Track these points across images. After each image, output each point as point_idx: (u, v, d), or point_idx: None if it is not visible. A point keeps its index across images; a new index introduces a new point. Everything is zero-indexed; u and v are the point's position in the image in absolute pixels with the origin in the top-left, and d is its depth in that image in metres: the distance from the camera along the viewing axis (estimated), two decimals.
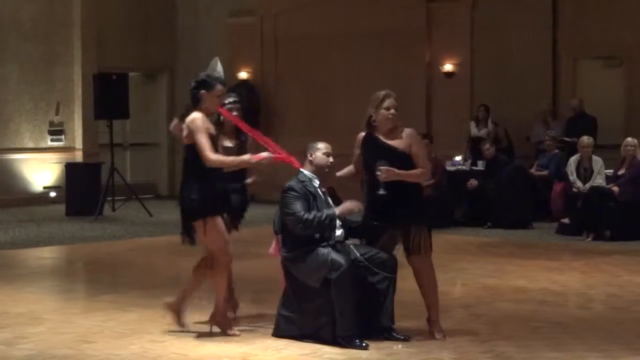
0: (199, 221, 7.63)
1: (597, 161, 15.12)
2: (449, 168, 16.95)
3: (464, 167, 17.17)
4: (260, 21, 21.85)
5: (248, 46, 21.92)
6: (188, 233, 7.81)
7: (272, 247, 7.93)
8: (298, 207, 7.55)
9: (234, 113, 8.40)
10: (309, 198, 7.64)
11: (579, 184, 15.06)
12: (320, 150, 7.82)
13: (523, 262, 12.18)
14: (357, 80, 20.25)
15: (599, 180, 14.96)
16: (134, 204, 17.69)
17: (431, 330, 7.70)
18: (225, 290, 7.87)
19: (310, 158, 7.83)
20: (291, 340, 7.55)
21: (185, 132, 7.69)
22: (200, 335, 7.88)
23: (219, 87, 7.89)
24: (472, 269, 11.48)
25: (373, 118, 7.63)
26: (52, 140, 20.68)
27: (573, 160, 15.35)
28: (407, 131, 7.66)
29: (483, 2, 19.38)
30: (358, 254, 7.58)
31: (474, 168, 17.13)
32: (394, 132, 7.63)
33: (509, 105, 18.64)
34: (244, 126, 8.25)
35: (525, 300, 9.56)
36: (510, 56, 19.01)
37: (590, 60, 18.78)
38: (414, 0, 19.90)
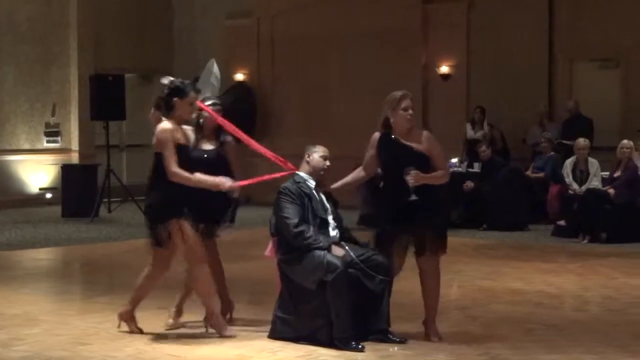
0: (165, 224, 7.58)
1: (593, 163, 15.13)
2: None
3: (460, 169, 17.17)
4: (257, 22, 21.87)
5: (245, 47, 21.92)
6: (155, 237, 7.74)
7: (268, 249, 7.93)
8: (291, 212, 7.57)
9: None
10: (304, 200, 7.65)
11: (575, 186, 15.06)
12: (318, 153, 7.85)
13: (519, 264, 12.18)
14: (354, 81, 20.28)
15: (595, 183, 14.97)
16: (130, 206, 17.67)
17: (427, 332, 7.69)
18: (211, 291, 7.83)
19: (308, 159, 7.86)
20: (287, 342, 7.55)
21: (154, 140, 7.64)
22: (196, 336, 7.88)
23: (192, 94, 7.75)
24: (468, 271, 11.48)
25: (391, 119, 7.57)
26: (48, 141, 20.68)
27: (569, 162, 15.35)
28: (426, 134, 7.64)
29: (479, 3, 19.39)
30: (354, 256, 7.59)
31: (470, 170, 17.13)
32: (410, 133, 7.60)
33: (505, 107, 18.65)
34: (229, 126, 8.23)
35: (521, 303, 9.56)
36: (507, 58, 19.01)
37: (587, 62, 18.80)
38: (410, 2, 19.91)
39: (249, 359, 7.24)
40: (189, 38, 22.63)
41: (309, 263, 7.44)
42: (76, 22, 20.92)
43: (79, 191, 17.94)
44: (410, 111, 7.57)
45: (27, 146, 20.40)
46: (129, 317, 7.94)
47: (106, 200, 17.91)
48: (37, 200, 19.96)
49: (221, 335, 7.74)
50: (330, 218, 7.78)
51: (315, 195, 7.74)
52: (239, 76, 22.02)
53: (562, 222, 15.05)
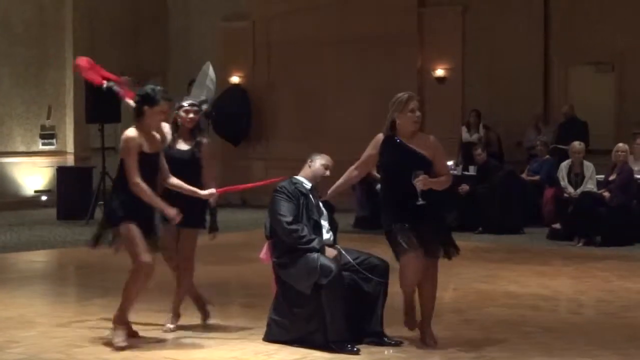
0: (115, 228, 7.54)
1: (588, 166, 15.14)
2: None
3: (455, 172, 17.16)
4: (253, 25, 21.88)
5: (240, 51, 21.93)
6: (96, 238, 7.73)
7: (263, 252, 7.92)
8: (285, 210, 7.58)
9: (190, 116, 8.28)
10: (300, 199, 7.65)
11: (570, 189, 15.08)
12: (320, 161, 7.89)
13: (514, 267, 12.19)
14: (349, 85, 20.30)
15: (590, 186, 14.98)
16: None
17: (423, 335, 7.68)
18: (132, 301, 7.62)
19: (310, 164, 7.90)
20: (282, 345, 7.55)
21: (120, 145, 7.58)
22: (192, 339, 7.87)
23: (163, 103, 7.61)
24: (464, 274, 11.47)
25: (397, 122, 7.49)
26: (43, 144, 20.66)
27: (564, 165, 15.37)
28: (433, 138, 7.59)
29: (474, 7, 19.42)
30: (350, 259, 7.60)
31: (466, 173, 17.15)
32: (415, 136, 7.54)
33: (500, 111, 18.68)
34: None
35: (516, 306, 9.56)
36: (502, 61, 19.05)
37: (582, 66, 18.82)
38: (405, 6, 19.93)
39: None
40: (184, 41, 22.63)
41: (303, 267, 7.44)
42: (72, 25, 20.92)
43: (74, 193, 17.92)
44: (418, 113, 7.53)
45: (22, 148, 20.38)
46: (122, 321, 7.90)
47: (101, 202, 17.85)
48: (32, 202, 19.95)
49: (114, 344, 7.50)
50: (323, 221, 7.78)
51: (311, 197, 7.75)
52: (235, 79, 22.02)
53: (557, 225, 15.06)
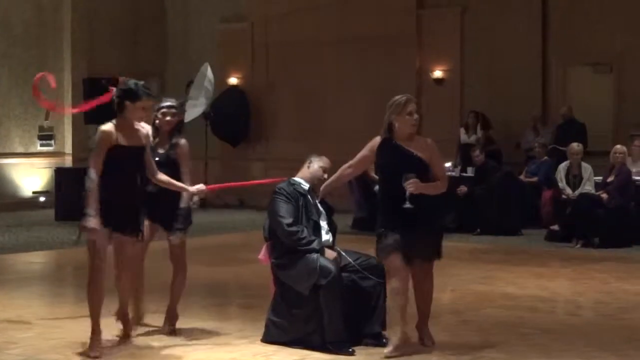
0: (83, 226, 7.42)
1: (587, 168, 15.15)
2: None
3: (453, 174, 17.19)
4: (251, 27, 21.89)
5: (238, 52, 21.94)
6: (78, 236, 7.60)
7: (262, 253, 7.93)
8: (285, 211, 7.58)
9: (167, 118, 8.19)
10: (299, 200, 7.66)
11: (568, 190, 15.08)
12: (319, 163, 7.89)
13: (512, 269, 12.19)
14: (348, 86, 20.32)
15: (588, 187, 14.98)
16: None
17: (421, 336, 7.68)
18: (97, 305, 7.47)
19: (308, 165, 7.90)
20: (280, 346, 7.54)
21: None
22: (190, 340, 7.87)
23: (145, 99, 7.48)
24: (462, 275, 11.49)
25: (395, 124, 7.42)
26: (41, 145, 20.66)
27: (562, 167, 15.37)
28: (429, 141, 7.52)
29: (473, 8, 19.44)
30: (350, 260, 7.60)
31: (464, 174, 17.16)
32: (412, 139, 7.47)
33: (498, 112, 18.68)
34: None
35: (514, 307, 9.56)
36: (500, 63, 19.06)
37: (580, 67, 18.84)
38: (404, 7, 19.95)
39: None
40: (183, 42, 22.64)
41: (303, 268, 7.45)
42: (70, 26, 20.92)
43: (72, 195, 17.85)
44: (416, 116, 7.47)
45: (20, 149, 20.38)
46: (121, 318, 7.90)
47: None
48: (30, 203, 19.95)
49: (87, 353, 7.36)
50: (322, 222, 7.78)
51: (309, 198, 7.75)
52: (233, 80, 22.03)
53: (555, 227, 15.07)
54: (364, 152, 7.64)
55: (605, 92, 18.49)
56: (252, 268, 10.46)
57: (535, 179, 16.84)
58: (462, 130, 18.59)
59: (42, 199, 20.16)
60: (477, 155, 16.62)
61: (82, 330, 8.05)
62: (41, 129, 20.63)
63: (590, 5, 18.39)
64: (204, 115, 20.85)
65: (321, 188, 7.83)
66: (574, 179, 15.16)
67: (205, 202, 20.88)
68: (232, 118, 21.51)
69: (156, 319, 8.37)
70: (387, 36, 19.92)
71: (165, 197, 7.88)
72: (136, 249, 7.69)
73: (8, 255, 13.50)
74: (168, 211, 8.03)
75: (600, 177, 15.01)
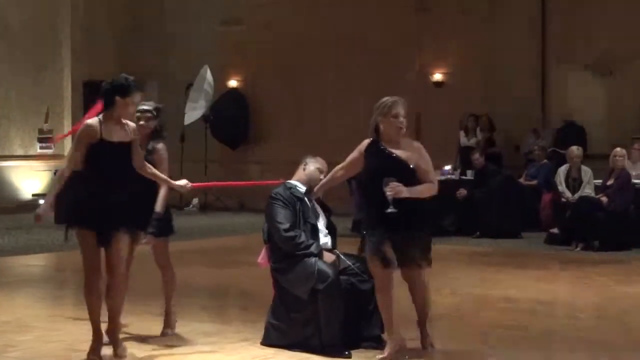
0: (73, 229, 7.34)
1: (586, 171, 15.15)
2: (439, 177, 16.95)
3: (453, 177, 17.20)
4: (251, 30, 21.88)
5: (238, 55, 21.95)
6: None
7: (261, 256, 7.92)
8: (282, 216, 7.58)
9: (141, 122, 7.92)
10: (296, 204, 7.65)
11: (568, 194, 15.08)
12: (315, 165, 7.86)
13: (512, 272, 12.19)
14: (347, 89, 20.33)
15: (587, 190, 14.98)
16: None
17: (422, 337, 7.63)
18: (96, 308, 7.37)
19: (304, 167, 7.89)
20: (280, 349, 7.54)
21: None
22: (190, 344, 7.87)
23: (135, 95, 7.29)
24: (461, 278, 11.49)
25: (380, 126, 7.27)
26: (41, 147, 20.67)
27: (562, 170, 15.38)
28: (416, 144, 7.32)
29: (473, 11, 19.43)
30: (349, 263, 7.60)
31: (464, 177, 17.16)
32: (400, 142, 7.27)
33: (498, 115, 18.68)
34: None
35: (513, 310, 9.56)
36: (500, 66, 19.07)
37: (580, 70, 18.83)
38: (403, 10, 19.95)
39: None
40: (182, 44, 22.64)
41: (301, 272, 7.44)
42: (69, 28, 20.93)
43: (72, 197, 17.88)
44: (401, 119, 7.26)
45: (20, 152, 20.39)
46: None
47: None
48: (30, 206, 19.92)
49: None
50: (321, 224, 7.78)
51: (306, 201, 7.75)
52: (233, 83, 22.03)
53: (555, 230, 15.08)
54: (354, 154, 7.49)
55: (604, 96, 18.49)
56: (251, 271, 10.45)
57: (534, 182, 16.84)
58: (462, 133, 18.59)
59: (41, 201, 20.14)
60: (477, 158, 16.62)
61: (82, 333, 8.05)
62: (41, 131, 20.63)
63: (589, 9, 18.39)
64: (204, 118, 20.86)
65: (314, 189, 7.80)
66: (574, 182, 15.16)
67: (206, 205, 20.91)
68: (232, 121, 21.51)
69: (156, 321, 8.36)
70: (387, 38, 19.93)
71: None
72: (130, 248, 7.59)
73: (7, 258, 13.50)
74: (142, 215, 7.87)
75: (600, 181, 15.02)
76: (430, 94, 19.74)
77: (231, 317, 9.00)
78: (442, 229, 16.07)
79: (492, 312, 9.44)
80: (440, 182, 17.84)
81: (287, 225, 7.54)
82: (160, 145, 8.02)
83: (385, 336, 7.40)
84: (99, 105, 7.75)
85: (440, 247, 14.22)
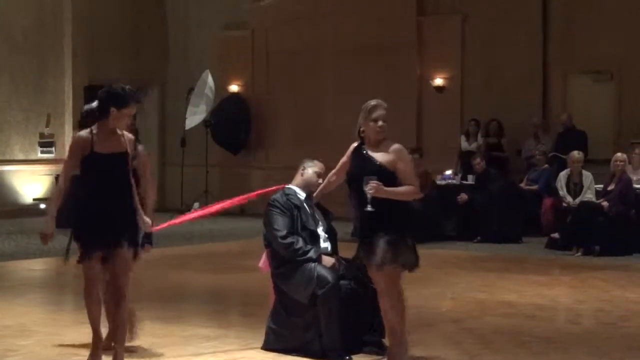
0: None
1: (587, 176, 15.15)
2: (440, 182, 16.99)
3: (454, 181, 17.20)
4: (252, 34, 21.90)
5: (239, 59, 21.95)
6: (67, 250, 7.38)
7: (262, 261, 7.92)
8: (280, 224, 7.58)
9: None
10: (293, 211, 7.65)
11: (569, 198, 15.08)
12: (313, 168, 7.85)
13: (512, 277, 12.18)
14: (348, 94, 20.28)
15: (588, 195, 14.99)
16: None
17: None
18: (96, 313, 7.27)
19: (302, 172, 7.87)
20: (280, 354, 7.54)
21: None
22: (191, 348, 7.87)
23: (132, 106, 6.88)
24: (462, 283, 11.48)
25: (362, 130, 7.24)
26: (42, 152, 20.67)
27: (563, 175, 15.38)
28: (394, 147, 7.19)
29: (473, 16, 19.44)
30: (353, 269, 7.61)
31: (464, 182, 17.16)
32: (380, 145, 7.19)
33: (499, 120, 18.65)
34: None
35: (514, 315, 9.56)
36: (501, 70, 19.07)
37: (581, 75, 18.83)
38: (404, 15, 19.96)
39: None
40: (183, 49, 22.65)
41: (301, 277, 7.45)
42: (71, 33, 20.93)
43: (73, 202, 17.89)
44: (381, 122, 7.16)
45: (21, 156, 20.39)
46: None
47: None
48: (31, 210, 19.93)
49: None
50: (320, 230, 7.77)
51: (305, 207, 7.74)
52: (234, 87, 22.04)
53: (555, 235, 15.07)
54: (343, 158, 7.48)
55: (605, 100, 18.48)
56: (252, 276, 10.45)
57: (535, 186, 16.83)
58: (463, 138, 18.59)
59: (42, 206, 20.14)
60: (478, 162, 16.62)
61: (82, 337, 8.05)
62: (42, 136, 20.64)
63: (590, 14, 18.38)
64: (205, 122, 20.86)
65: (314, 195, 7.81)
66: (575, 187, 15.16)
67: None
68: (233, 125, 21.51)
69: (155, 326, 8.36)
70: (388, 44, 19.93)
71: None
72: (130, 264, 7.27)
73: (8, 262, 13.50)
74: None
75: (601, 185, 15.01)
76: (431, 99, 19.75)
77: (232, 321, 8.99)
78: (443, 233, 16.11)
79: (493, 317, 9.44)
80: (441, 187, 17.91)
81: (283, 232, 7.54)
82: (140, 147, 7.43)
83: (386, 341, 7.40)
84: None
85: (440, 251, 14.32)
